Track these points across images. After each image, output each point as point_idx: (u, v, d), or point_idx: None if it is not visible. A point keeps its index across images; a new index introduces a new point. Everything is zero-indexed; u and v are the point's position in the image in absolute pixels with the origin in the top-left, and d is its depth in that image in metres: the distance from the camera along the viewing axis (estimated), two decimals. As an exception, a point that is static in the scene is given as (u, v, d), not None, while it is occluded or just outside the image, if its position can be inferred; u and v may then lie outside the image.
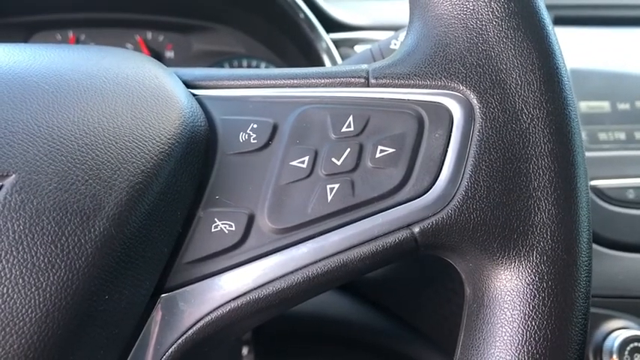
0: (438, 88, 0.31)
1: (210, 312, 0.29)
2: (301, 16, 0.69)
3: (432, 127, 0.30)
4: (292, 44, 0.75)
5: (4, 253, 0.24)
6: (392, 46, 0.49)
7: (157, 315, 0.29)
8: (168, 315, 0.29)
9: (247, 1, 0.74)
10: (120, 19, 0.80)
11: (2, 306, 0.24)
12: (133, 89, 0.31)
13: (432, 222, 0.29)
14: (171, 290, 0.29)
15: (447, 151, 0.30)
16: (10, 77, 0.29)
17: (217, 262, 0.29)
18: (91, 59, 0.32)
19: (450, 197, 0.29)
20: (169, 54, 0.81)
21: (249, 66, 0.82)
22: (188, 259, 0.29)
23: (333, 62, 0.68)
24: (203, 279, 0.29)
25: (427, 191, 0.29)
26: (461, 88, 0.30)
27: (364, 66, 0.33)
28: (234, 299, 0.29)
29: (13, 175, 0.25)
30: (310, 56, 0.70)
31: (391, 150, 0.30)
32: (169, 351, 0.29)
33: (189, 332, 0.29)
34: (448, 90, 0.31)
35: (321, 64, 0.69)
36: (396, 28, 0.79)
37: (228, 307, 0.29)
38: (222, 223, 0.30)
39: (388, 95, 0.32)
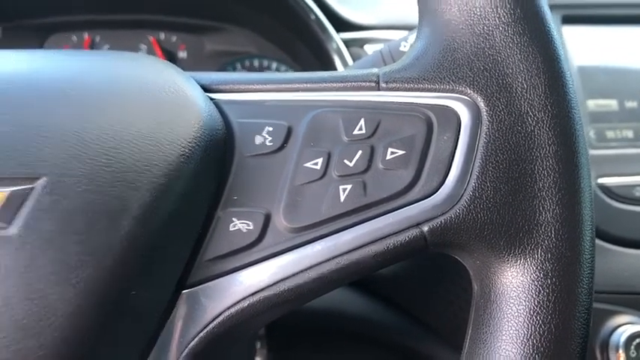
0: (447, 92, 0.32)
1: (231, 306, 0.30)
2: (312, 17, 0.70)
3: (441, 129, 0.31)
4: (303, 44, 0.76)
5: (39, 252, 0.26)
6: (402, 48, 0.50)
7: (180, 310, 0.30)
8: (191, 309, 0.30)
9: (259, 3, 0.75)
10: (134, 20, 0.81)
11: (37, 301, 0.25)
12: (153, 94, 0.32)
13: (441, 221, 0.30)
14: (193, 286, 0.31)
15: (455, 152, 0.31)
16: (37, 83, 0.31)
17: (236, 260, 0.31)
18: (113, 66, 0.33)
19: (458, 197, 0.30)
20: (182, 54, 0.83)
21: (260, 65, 0.83)
22: (208, 256, 0.31)
23: (344, 62, 0.70)
24: (223, 275, 0.31)
25: (436, 191, 0.30)
26: (468, 91, 0.31)
27: (375, 70, 0.34)
28: (252, 294, 0.30)
29: (44, 178, 0.27)
30: (321, 56, 0.72)
31: (401, 152, 0.31)
32: (192, 344, 0.30)
33: (211, 326, 0.30)
34: (456, 94, 0.32)
35: (332, 64, 0.70)
36: (404, 28, 0.80)
37: (247, 302, 0.30)
38: (240, 223, 0.31)
39: (398, 99, 0.33)
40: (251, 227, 0.31)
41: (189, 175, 0.30)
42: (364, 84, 0.33)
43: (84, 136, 0.29)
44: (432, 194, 0.30)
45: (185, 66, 0.82)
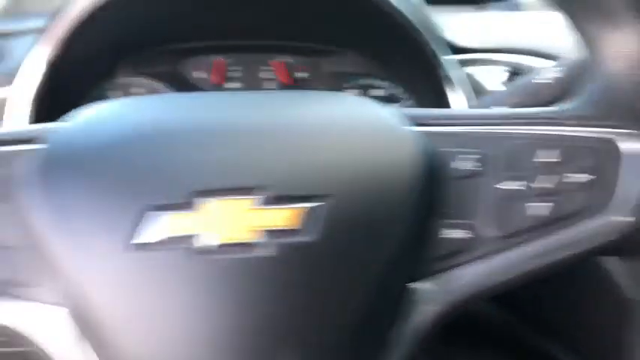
0: (614, 128, 0.41)
1: (451, 296, 0.39)
2: (431, 53, 0.79)
3: (611, 157, 0.40)
4: (413, 68, 0.85)
5: (336, 254, 0.35)
6: (534, 81, 0.59)
7: (409, 300, 0.39)
8: (418, 300, 0.39)
9: (386, 36, 0.84)
10: (258, 45, 0.91)
11: (334, 292, 0.35)
12: (382, 129, 0.41)
13: (619, 230, 0.38)
14: (419, 280, 0.40)
15: (621, 175, 0.40)
16: (301, 123, 0.40)
17: (449, 261, 0.40)
18: (345, 106, 0.43)
19: (630, 214, 0.39)
20: (302, 75, 0.92)
21: (370, 84, 0.92)
22: (430, 257, 0.40)
23: (451, 86, 0.78)
24: (441, 272, 0.40)
25: (611, 208, 0.39)
26: (632, 127, 0.40)
27: (554, 109, 0.43)
28: (469, 286, 0.39)
29: (330, 197, 0.36)
30: (431, 79, 0.80)
31: (581, 176, 0.40)
32: (419, 327, 0.39)
33: (433, 313, 0.39)
34: (622, 129, 0.40)
35: (441, 87, 0.79)
36: (497, 51, 0.88)
37: (466, 293, 0.39)
38: (452, 232, 0.40)
39: (576, 133, 0.41)
40: (463, 235, 0.40)
41: (416, 193, 0.39)
42: (546, 120, 0.42)
43: (346, 166, 0.38)
44: (609, 211, 0.39)
45: (305, 85, 0.92)
